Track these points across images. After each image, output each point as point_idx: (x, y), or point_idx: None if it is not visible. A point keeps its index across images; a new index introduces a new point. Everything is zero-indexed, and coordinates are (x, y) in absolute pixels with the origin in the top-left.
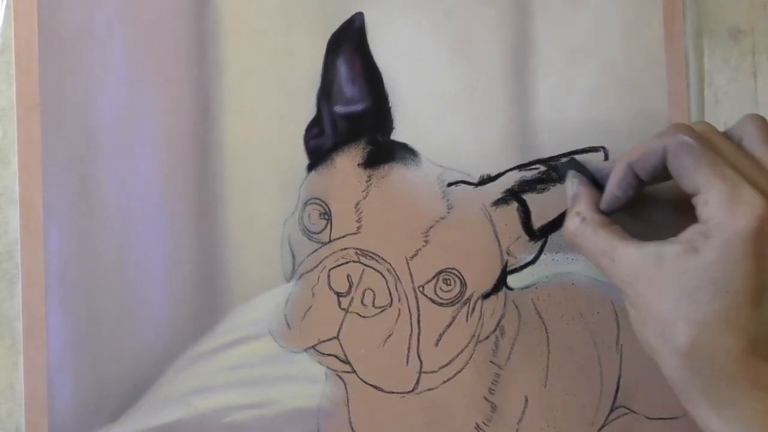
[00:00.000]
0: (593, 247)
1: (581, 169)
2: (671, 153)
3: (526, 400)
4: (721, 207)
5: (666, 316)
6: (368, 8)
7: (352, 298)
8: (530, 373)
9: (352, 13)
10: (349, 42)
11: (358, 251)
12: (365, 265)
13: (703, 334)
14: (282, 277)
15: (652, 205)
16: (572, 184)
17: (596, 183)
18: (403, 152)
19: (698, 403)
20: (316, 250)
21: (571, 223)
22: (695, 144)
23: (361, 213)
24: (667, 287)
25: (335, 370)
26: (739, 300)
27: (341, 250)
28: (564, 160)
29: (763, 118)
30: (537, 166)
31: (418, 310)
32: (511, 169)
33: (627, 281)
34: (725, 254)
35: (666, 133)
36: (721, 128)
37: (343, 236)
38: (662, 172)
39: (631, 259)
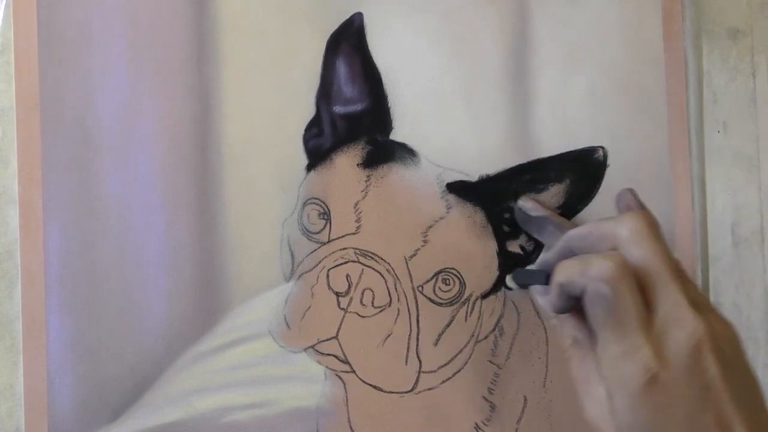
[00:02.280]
0: (577, 373)
1: (536, 277)
2: (587, 296)
3: (525, 400)
4: (613, 367)
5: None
6: (367, 8)
7: (352, 298)
8: (529, 372)
9: (352, 13)
10: (349, 42)
11: (357, 251)
12: (364, 265)
13: None
14: (281, 277)
15: None
16: (550, 309)
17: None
18: (402, 152)
19: None
20: (315, 250)
21: (566, 344)
22: (609, 296)
23: (360, 213)
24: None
25: (334, 370)
26: None
27: (340, 250)
28: (511, 280)
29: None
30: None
31: (417, 310)
32: (510, 169)
33: (594, 416)
34: (633, 414)
35: (590, 272)
36: (719, 128)
37: (342, 236)
38: None
39: (596, 397)
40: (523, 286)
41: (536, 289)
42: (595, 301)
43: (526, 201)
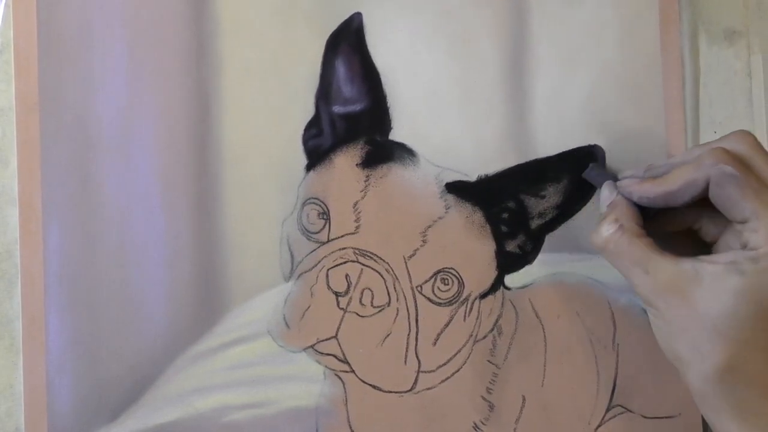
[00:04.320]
0: (627, 257)
1: (613, 178)
2: (715, 184)
3: (524, 400)
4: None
5: (703, 332)
6: (367, 8)
7: (351, 298)
8: (528, 372)
9: (351, 13)
10: (348, 42)
11: (357, 251)
12: (363, 265)
13: (742, 352)
14: (281, 277)
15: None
16: (609, 192)
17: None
18: (401, 152)
19: (723, 412)
20: (315, 249)
21: (607, 229)
22: (739, 174)
23: (359, 213)
24: (706, 304)
25: (334, 370)
26: None
27: (340, 249)
28: (591, 167)
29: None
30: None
31: (416, 310)
32: (508, 169)
33: (660, 294)
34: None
35: (705, 162)
36: (716, 128)
37: (342, 236)
38: (699, 200)
39: (667, 273)
40: (595, 181)
41: (609, 185)
42: (723, 183)
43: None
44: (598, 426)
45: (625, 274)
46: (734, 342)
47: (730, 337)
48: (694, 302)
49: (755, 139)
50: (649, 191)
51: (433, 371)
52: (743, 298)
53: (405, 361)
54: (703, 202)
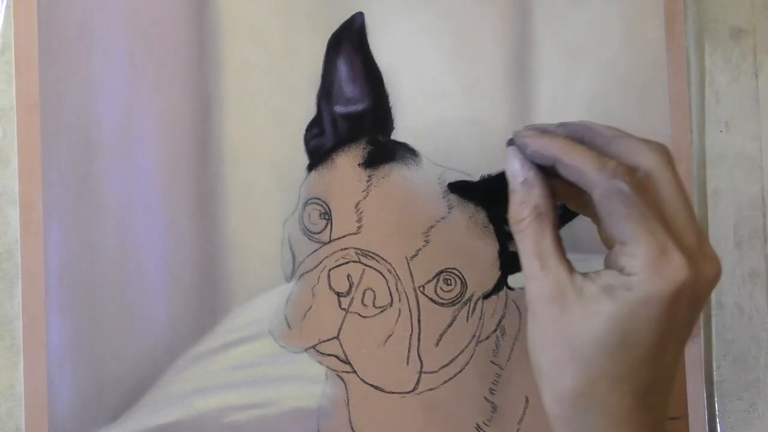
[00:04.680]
0: (533, 247)
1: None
2: (602, 194)
3: (527, 400)
4: (648, 266)
5: (568, 352)
6: (368, 8)
7: (353, 298)
8: (531, 373)
9: (353, 12)
10: (350, 42)
11: (359, 251)
12: (365, 265)
13: (600, 380)
14: (282, 277)
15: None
16: (520, 167)
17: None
18: (403, 152)
19: None
20: (317, 250)
21: (525, 215)
22: (629, 192)
23: (361, 213)
24: (577, 323)
25: (335, 370)
26: (642, 354)
27: (341, 250)
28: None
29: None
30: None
31: (419, 310)
32: None
33: (545, 298)
34: (642, 311)
35: (606, 169)
36: (722, 128)
37: (344, 236)
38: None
39: (558, 279)
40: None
41: (514, 153)
42: (611, 195)
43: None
44: None
45: (523, 261)
46: (594, 368)
47: (592, 363)
48: (569, 318)
49: (671, 157)
50: (542, 148)
51: (436, 372)
52: (610, 326)
53: (407, 362)
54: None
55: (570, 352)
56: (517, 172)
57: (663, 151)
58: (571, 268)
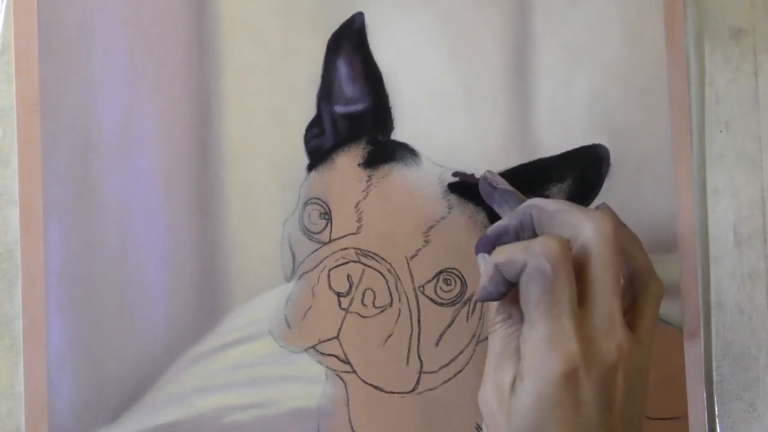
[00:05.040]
0: (496, 346)
1: (486, 246)
2: (525, 273)
3: None
4: (535, 349)
5: None
6: (368, 8)
7: (353, 298)
8: None
9: (352, 13)
10: (350, 42)
11: (359, 251)
12: (365, 265)
13: None
14: (282, 277)
15: None
16: (490, 281)
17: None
18: (403, 152)
19: None
20: (316, 250)
21: (498, 316)
22: (549, 275)
23: (361, 213)
24: (504, 419)
25: (335, 370)
26: None
27: (341, 250)
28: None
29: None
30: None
31: (419, 310)
32: (511, 169)
33: (487, 398)
34: (537, 401)
35: (534, 248)
36: (721, 128)
37: (344, 236)
38: None
39: (498, 382)
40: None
41: (483, 259)
42: (532, 277)
43: (493, 174)
44: None
45: (488, 357)
46: None
47: None
48: (504, 419)
49: (609, 228)
50: (488, 270)
51: (435, 372)
52: (518, 420)
53: (407, 362)
54: None
55: None
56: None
57: (602, 223)
58: (510, 373)
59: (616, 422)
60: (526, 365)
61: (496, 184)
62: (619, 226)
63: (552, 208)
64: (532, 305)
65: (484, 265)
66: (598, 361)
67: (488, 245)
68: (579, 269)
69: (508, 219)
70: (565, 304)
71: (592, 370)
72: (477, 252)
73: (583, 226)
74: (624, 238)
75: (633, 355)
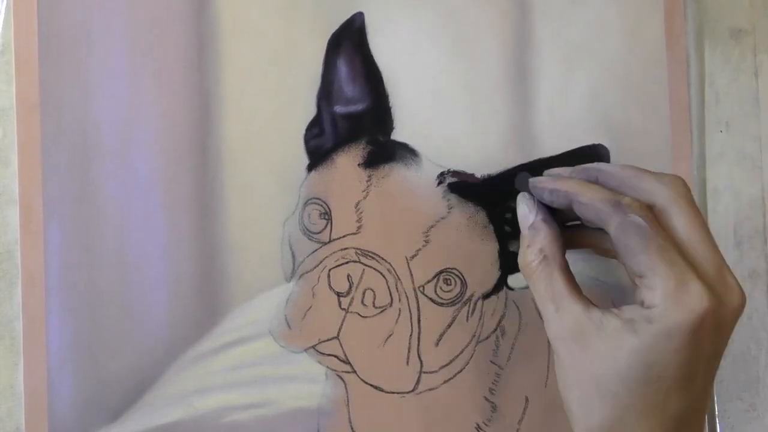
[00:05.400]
0: (544, 290)
1: (533, 189)
2: (618, 229)
3: (527, 400)
4: (667, 297)
5: (594, 388)
6: (368, 8)
7: (353, 298)
8: (531, 373)
9: (352, 12)
10: (350, 42)
11: (359, 251)
12: (365, 265)
13: (627, 414)
14: (282, 277)
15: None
16: (529, 210)
17: (547, 207)
18: (403, 152)
19: None
20: (316, 250)
21: (532, 258)
22: (645, 225)
23: (361, 213)
24: (602, 358)
25: (335, 370)
26: (668, 385)
27: (341, 250)
28: (519, 174)
29: (685, 186)
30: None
31: (419, 310)
32: (511, 169)
33: (564, 338)
34: (664, 343)
35: (620, 204)
36: (722, 127)
37: (344, 236)
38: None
39: (575, 318)
40: (523, 188)
41: (524, 198)
42: (628, 230)
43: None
44: None
45: (538, 305)
46: (620, 403)
47: (618, 398)
48: (591, 355)
49: (686, 190)
50: (561, 187)
51: (435, 372)
52: (634, 360)
53: (407, 362)
54: None
55: (595, 389)
56: (526, 217)
57: (677, 184)
58: (588, 305)
59: (712, 374)
60: (658, 312)
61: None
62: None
63: (622, 174)
64: (642, 254)
65: (524, 203)
66: (728, 310)
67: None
68: (675, 232)
69: (570, 171)
70: (672, 248)
71: (713, 319)
72: (520, 185)
73: (658, 191)
74: None
75: (743, 308)
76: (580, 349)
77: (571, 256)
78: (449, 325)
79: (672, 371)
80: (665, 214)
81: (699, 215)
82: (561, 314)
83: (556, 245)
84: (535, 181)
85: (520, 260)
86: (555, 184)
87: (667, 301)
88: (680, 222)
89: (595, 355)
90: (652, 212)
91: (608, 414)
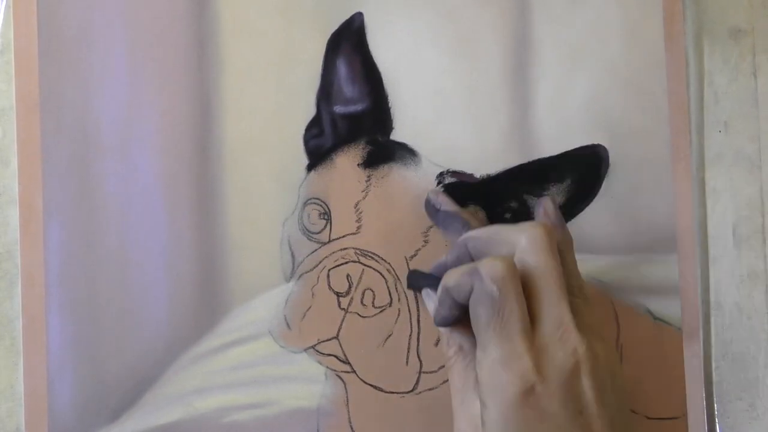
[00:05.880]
0: (456, 381)
1: (429, 281)
2: (474, 296)
3: None
4: (490, 373)
5: None
6: (368, 8)
7: (352, 298)
8: None
9: (352, 13)
10: (349, 42)
11: (358, 251)
12: (365, 265)
13: None
14: (282, 277)
15: None
16: (441, 305)
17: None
18: (402, 152)
19: None
20: (316, 250)
21: (450, 349)
22: (496, 296)
23: (360, 213)
24: None
25: (335, 370)
26: None
27: (341, 250)
28: (408, 276)
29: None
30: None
31: (418, 310)
32: (510, 169)
33: (464, 430)
34: (503, 425)
35: (474, 274)
36: (720, 128)
37: (343, 236)
38: None
39: (472, 413)
40: (416, 288)
41: (428, 294)
42: (480, 300)
43: (437, 194)
44: None
45: (451, 392)
46: None
47: None
48: None
49: (543, 238)
50: (441, 284)
51: (435, 372)
52: None
53: (406, 362)
54: None
55: None
56: (436, 312)
57: (534, 233)
58: (477, 400)
59: (594, 422)
60: (484, 390)
61: (438, 206)
62: (551, 230)
63: (485, 235)
64: (483, 328)
65: (430, 299)
66: (555, 371)
67: (429, 279)
68: (524, 283)
69: (446, 257)
70: (514, 323)
71: (550, 382)
72: (414, 286)
73: (515, 239)
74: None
75: (594, 354)
76: None
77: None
78: None
79: None
80: (523, 263)
81: (549, 264)
82: (463, 408)
83: (471, 338)
84: (424, 295)
85: (443, 347)
86: (427, 302)
87: (490, 378)
88: (533, 273)
89: None
90: (514, 273)
91: None
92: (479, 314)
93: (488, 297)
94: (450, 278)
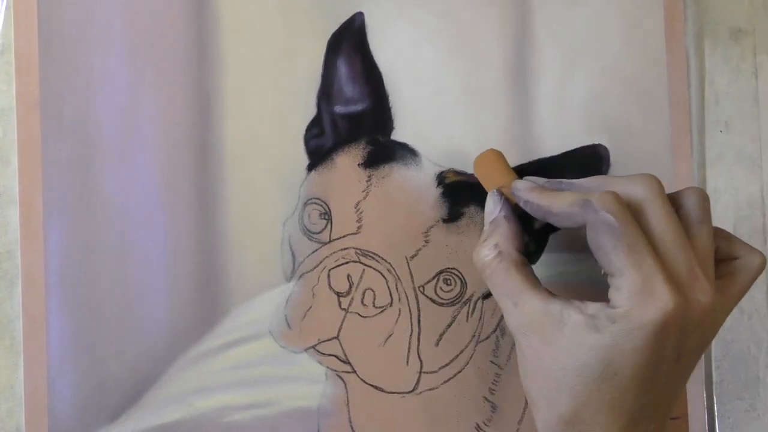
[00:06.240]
0: (501, 285)
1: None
2: (590, 228)
3: (527, 400)
4: (631, 298)
5: (553, 381)
6: (368, 8)
7: (353, 298)
8: None
9: (352, 13)
10: (349, 42)
11: (359, 251)
12: (365, 265)
13: (585, 408)
14: (282, 277)
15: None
16: (494, 206)
17: (519, 213)
18: (403, 152)
19: None
20: (316, 250)
21: (486, 254)
22: (616, 225)
23: (361, 213)
24: (561, 352)
25: (335, 370)
26: (625, 384)
27: (341, 250)
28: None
29: (704, 193)
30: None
31: (419, 310)
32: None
33: (524, 331)
34: (624, 342)
35: (590, 202)
36: (721, 128)
37: (344, 236)
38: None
39: (534, 311)
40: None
41: (494, 195)
42: (600, 230)
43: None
44: None
45: (497, 300)
46: (579, 397)
47: (576, 392)
48: (551, 347)
49: (659, 187)
50: (534, 199)
51: (435, 372)
52: (593, 357)
53: (407, 362)
54: None
55: (554, 382)
56: (490, 213)
57: (650, 182)
58: (547, 297)
59: (680, 373)
60: (621, 312)
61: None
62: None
63: (592, 183)
64: (611, 253)
65: (500, 209)
66: (686, 311)
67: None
68: (640, 227)
69: (544, 182)
70: (643, 248)
71: (679, 320)
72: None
73: (631, 191)
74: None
75: (713, 309)
76: (541, 342)
77: (571, 256)
78: (449, 325)
79: (629, 371)
80: (639, 212)
81: (672, 213)
82: (520, 308)
83: (511, 242)
84: (516, 186)
85: (475, 255)
86: (528, 195)
87: (631, 303)
88: (653, 220)
89: (555, 348)
90: (625, 206)
91: (565, 407)
92: (602, 243)
93: (607, 226)
94: (554, 206)
